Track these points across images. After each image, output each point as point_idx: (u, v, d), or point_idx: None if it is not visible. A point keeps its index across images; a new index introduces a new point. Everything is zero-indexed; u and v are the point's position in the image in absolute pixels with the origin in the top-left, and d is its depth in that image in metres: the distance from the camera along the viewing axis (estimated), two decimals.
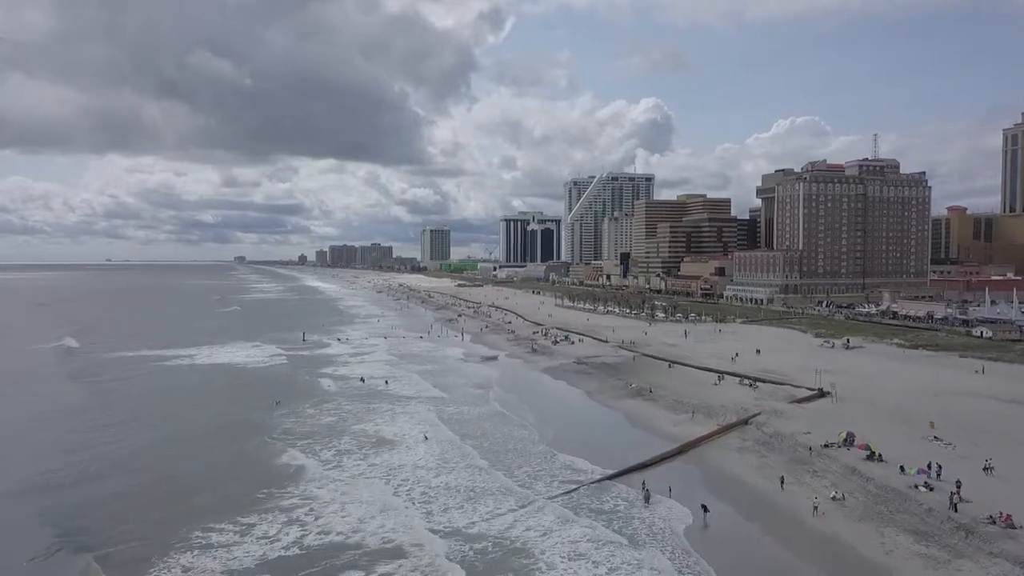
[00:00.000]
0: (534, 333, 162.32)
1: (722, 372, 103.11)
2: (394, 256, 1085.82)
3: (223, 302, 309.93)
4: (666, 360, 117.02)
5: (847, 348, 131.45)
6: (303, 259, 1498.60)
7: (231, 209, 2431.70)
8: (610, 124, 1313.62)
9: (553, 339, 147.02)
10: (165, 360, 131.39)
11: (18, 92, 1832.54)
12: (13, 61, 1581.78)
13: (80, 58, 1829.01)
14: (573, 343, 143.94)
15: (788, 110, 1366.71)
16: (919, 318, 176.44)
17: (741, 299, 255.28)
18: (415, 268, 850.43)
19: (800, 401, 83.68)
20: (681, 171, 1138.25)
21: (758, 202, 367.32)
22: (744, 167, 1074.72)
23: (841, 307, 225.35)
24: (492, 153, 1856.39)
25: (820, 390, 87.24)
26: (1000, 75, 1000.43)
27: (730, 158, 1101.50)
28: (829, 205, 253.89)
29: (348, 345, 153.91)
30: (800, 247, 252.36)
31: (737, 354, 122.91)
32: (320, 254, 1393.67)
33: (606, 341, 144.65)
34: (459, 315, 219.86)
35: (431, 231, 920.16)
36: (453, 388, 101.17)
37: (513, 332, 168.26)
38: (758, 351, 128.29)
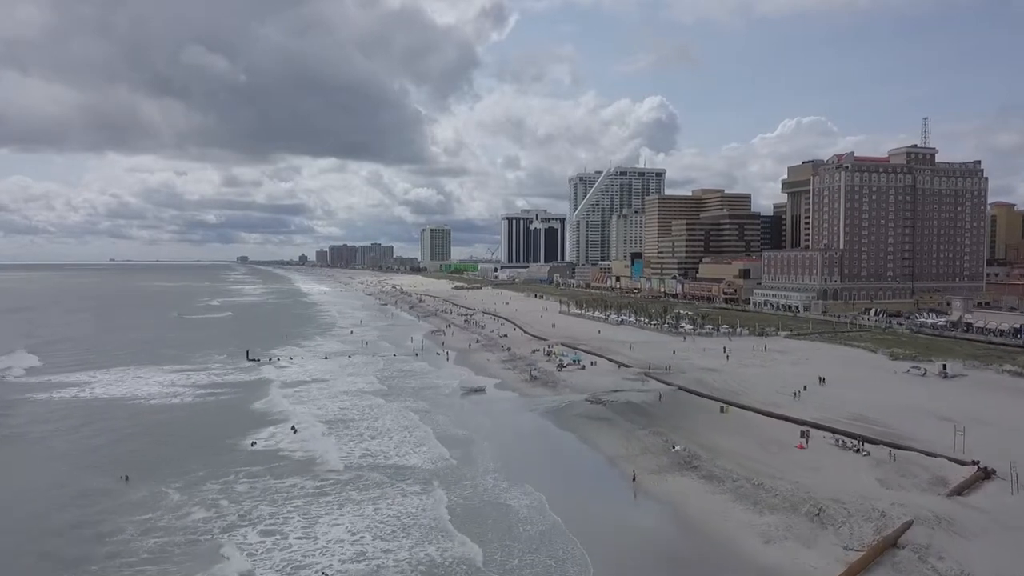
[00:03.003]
0: (534, 351, 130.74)
1: (806, 423, 71.36)
2: (395, 256, 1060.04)
3: (193, 309, 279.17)
4: (715, 399, 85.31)
5: (944, 377, 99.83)
6: (303, 259, 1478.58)
7: (233, 209, 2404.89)
8: (615, 123, 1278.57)
9: (558, 362, 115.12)
10: (63, 389, 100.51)
11: (12, 89, 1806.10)
12: (6, 58, 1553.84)
13: (74, 55, 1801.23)
14: (583, 367, 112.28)
15: (794, 110, 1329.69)
16: (1003, 332, 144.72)
17: (772, 305, 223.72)
18: (415, 269, 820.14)
19: (959, 491, 51.83)
20: (687, 171, 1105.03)
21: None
22: (750, 167, 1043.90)
23: (893, 316, 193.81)
24: (495, 152, 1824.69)
25: (979, 466, 55.50)
26: (1011, 74, 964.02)
27: (737, 158, 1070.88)
28: (874, 198, 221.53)
29: (301, 366, 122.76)
30: (841, 246, 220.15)
31: (805, 387, 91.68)
32: (321, 254, 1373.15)
33: (627, 365, 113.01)
34: (448, 325, 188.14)
35: (431, 230, 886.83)
36: (416, 447, 69.82)
37: (509, 349, 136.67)
38: (823, 380, 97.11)
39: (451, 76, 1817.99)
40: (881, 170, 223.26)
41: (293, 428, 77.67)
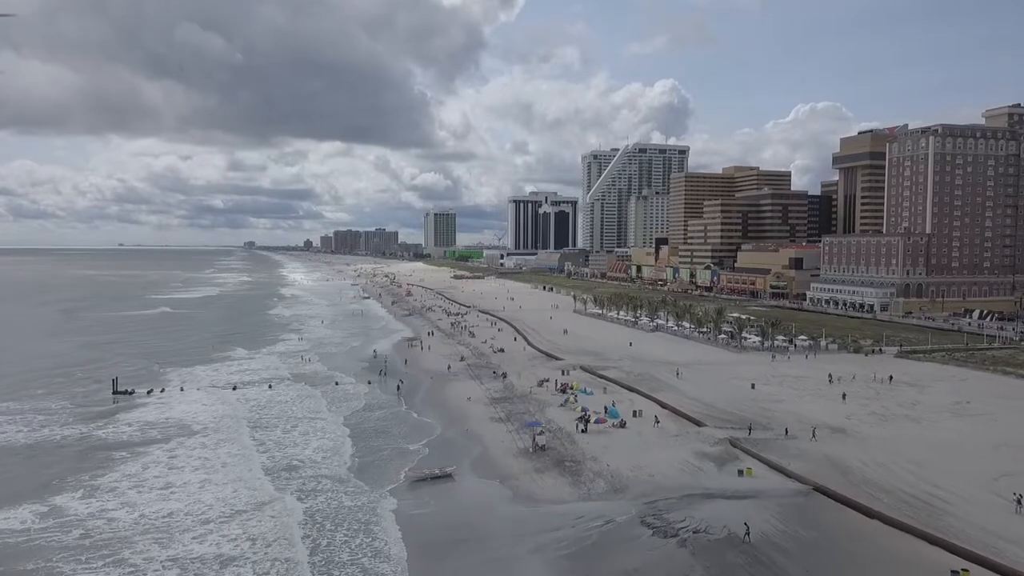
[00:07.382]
0: (542, 383, 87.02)
1: None
2: (399, 242, 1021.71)
3: (147, 303, 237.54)
4: (924, 536, 41.63)
5: None
6: (308, 244, 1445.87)
7: (240, 194, 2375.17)
8: (625, 107, 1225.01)
9: (581, 418, 70.06)
10: None
11: (9, 70, 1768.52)
12: (1, 37, 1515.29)
13: (68, 34, 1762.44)
14: (622, 422, 68.57)
15: (808, 94, 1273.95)
16: None
17: (837, 304, 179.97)
18: (418, 255, 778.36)
19: None
20: (699, 156, 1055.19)
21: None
22: (763, 153, 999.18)
23: (1003, 320, 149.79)
24: (503, 137, 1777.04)
25: None
26: None
27: (751, 143, 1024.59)
28: (969, 170, 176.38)
29: (188, 407, 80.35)
30: (928, 230, 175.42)
31: None
32: (325, 239, 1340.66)
33: (695, 421, 69.27)
34: (429, 331, 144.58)
35: (435, 215, 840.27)
36: None
37: (504, 376, 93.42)
38: None
39: (458, 58, 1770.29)
40: (979, 135, 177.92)
41: None
